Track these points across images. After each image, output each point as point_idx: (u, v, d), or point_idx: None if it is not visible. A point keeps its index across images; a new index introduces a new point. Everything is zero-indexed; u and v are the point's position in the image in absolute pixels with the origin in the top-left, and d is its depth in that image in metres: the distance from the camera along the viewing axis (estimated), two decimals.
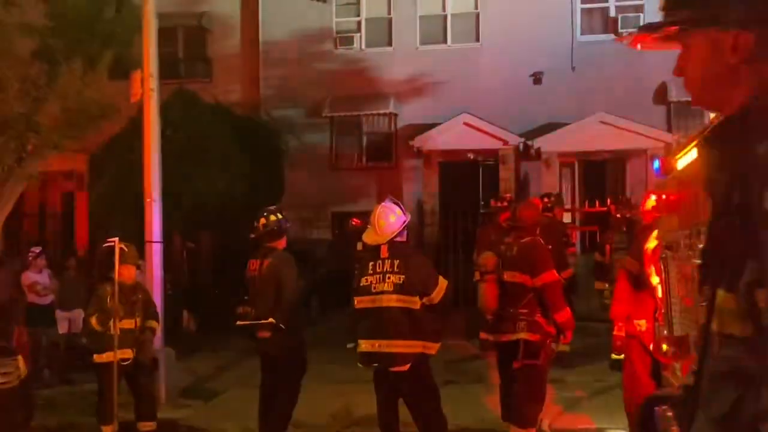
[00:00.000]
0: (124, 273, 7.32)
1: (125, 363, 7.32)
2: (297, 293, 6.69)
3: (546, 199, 10.31)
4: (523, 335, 5.99)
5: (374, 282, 5.55)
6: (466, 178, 17.90)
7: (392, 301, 5.46)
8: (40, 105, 10.27)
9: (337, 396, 8.58)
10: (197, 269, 15.88)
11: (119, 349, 7.25)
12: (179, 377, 9.64)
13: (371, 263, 5.61)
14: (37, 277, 11.15)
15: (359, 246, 14.06)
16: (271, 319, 6.46)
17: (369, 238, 5.72)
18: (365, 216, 16.27)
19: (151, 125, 9.31)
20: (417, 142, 17.93)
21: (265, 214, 6.85)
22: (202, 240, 16.09)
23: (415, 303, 5.46)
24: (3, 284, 11.20)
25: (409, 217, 5.79)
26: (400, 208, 5.73)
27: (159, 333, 8.44)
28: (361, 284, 5.63)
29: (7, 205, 10.38)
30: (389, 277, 5.49)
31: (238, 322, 6.79)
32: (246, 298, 6.84)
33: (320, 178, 18.58)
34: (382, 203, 5.80)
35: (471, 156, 17.97)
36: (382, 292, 5.50)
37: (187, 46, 20.07)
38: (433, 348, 5.55)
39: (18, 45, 9.87)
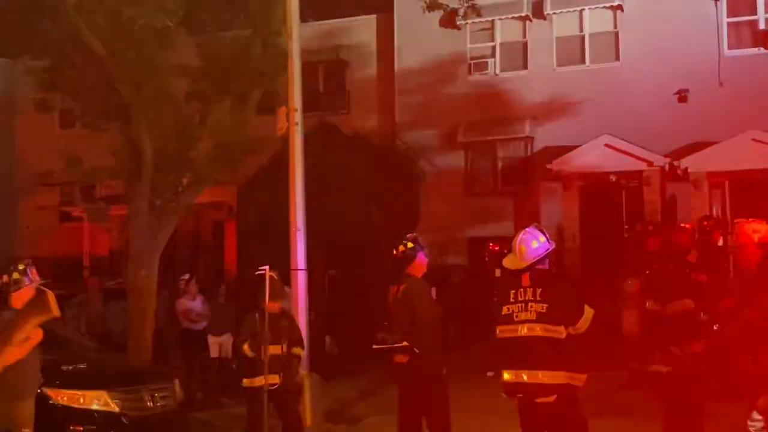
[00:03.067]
0: (269, 304, 7.61)
1: (272, 388, 7.59)
2: (433, 319, 6.68)
3: (705, 222, 9.70)
4: (662, 367, 5.76)
5: (516, 311, 5.46)
6: (607, 202, 17.39)
7: (535, 330, 5.36)
8: (194, 142, 10.91)
9: (480, 426, 8.50)
10: (338, 295, 16.24)
11: (262, 375, 7.52)
12: (323, 401, 9.86)
13: (512, 291, 5.54)
14: (191, 304, 11.77)
15: (497, 272, 13.98)
16: (405, 342, 6.48)
17: (509, 263, 5.65)
18: (502, 241, 16.12)
19: (296, 157, 9.69)
20: (555, 165, 17.61)
21: (403, 241, 6.93)
22: (342, 267, 16.45)
23: (560, 332, 5.32)
24: (156, 313, 11.89)
25: (553, 246, 5.67)
26: (545, 236, 5.63)
27: (304, 358, 8.71)
28: (503, 313, 5.56)
29: (164, 235, 11.04)
30: (531, 306, 5.39)
31: (375, 346, 6.89)
32: (385, 323, 6.93)
33: (455, 204, 18.59)
34: (527, 228, 5.72)
35: (613, 178, 17.44)
36: (525, 321, 5.41)
37: (326, 79, 20.74)
38: (579, 379, 5.39)
39: (174, 86, 10.53)
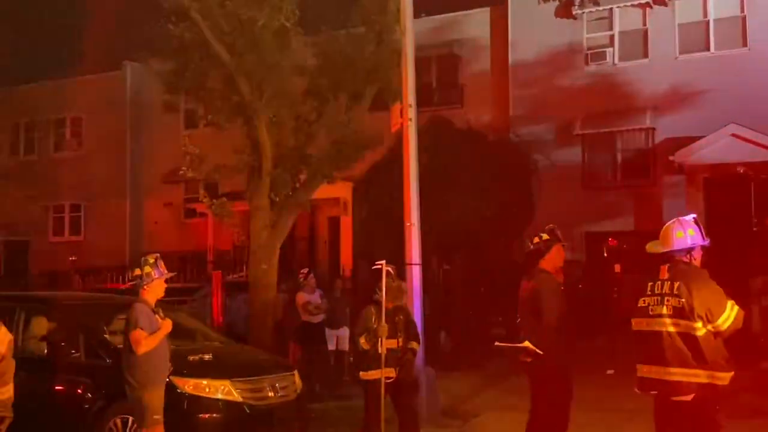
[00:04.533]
0: (385, 297, 7.67)
1: (388, 381, 7.65)
2: (557, 318, 6.50)
3: None
4: None
5: (652, 304, 5.18)
6: (735, 195, 16.56)
7: (669, 325, 5.09)
8: (311, 139, 11.14)
9: (600, 424, 8.30)
10: (452, 290, 16.22)
11: (379, 369, 7.58)
12: (439, 396, 9.87)
13: (650, 284, 5.26)
14: (310, 297, 12.02)
15: (617, 268, 13.59)
16: (526, 344, 6.35)
17: (650, 247, 5.41)
18: (621, 236, 15.61)
19: (410, 153, 9.72)
20: (678, 156, 16.92)
21: (539, 233, 6.69)
22: (455, 261, 16.42)
23: (697, 329, 5.00)
24: (280, 305, 12.22)
25: (703, 242, 5.28)
26: (697, 230, 5.29)
27: (420, 353, 8.75)
28: (639, 305, 5.29)
29: (283, 231, 11.32)
30: (668, 300, 5.10)
31: (496, 344, 6.80)
32: (500, 318, 6.84)
33: (572, 198, 18.17)
34: (681, 218, 5.42)
35: (741, 170, 16.59)
36: (660, 315, 5.13)
37: (440, 73, 20.72)
38: (722, 378, 5.01)
39: (291, 85, 10.79)
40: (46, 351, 8.04)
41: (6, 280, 23.32)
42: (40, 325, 8.27)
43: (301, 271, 12.47)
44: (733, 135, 16.38)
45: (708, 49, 17.66)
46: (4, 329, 3.96)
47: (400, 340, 7.79)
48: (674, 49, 17.90)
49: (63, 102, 24.17)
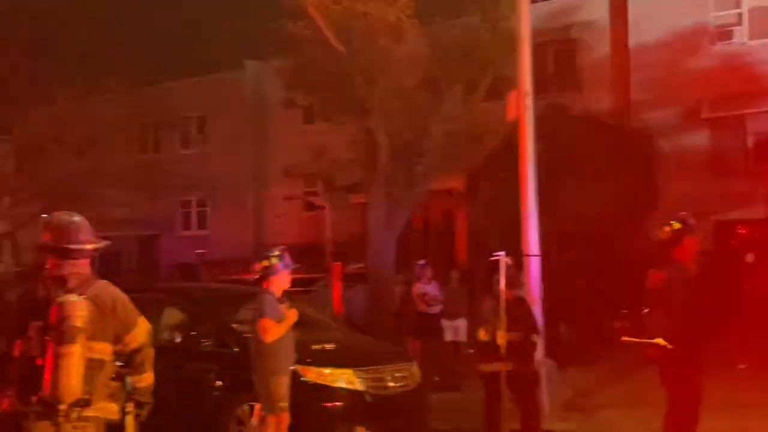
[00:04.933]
0: (505, 290, 7.60)
1: (508, 373, 7.58)
2: (690, 310, 6.21)
3: None
4: None
5: None
6: None
7: None
8: (426, 132, 11.18)
9: (730, 420, 7.95)
10: (572, 281, 15.87)
11: (498, 361, 7.53)
12: (560, 390, 9.71)
13: None
14: (427, 288, 12.07)
15: (749, 257, 12.91)
16: (659, 340, 6.11)
17: None
18: (752, 225, 14.79)
19: (527, 142, 9.57)
20: None
21: (670, 221, 6.40)
22: (575, 251, 16.06)
23: None
24: (397, 296, 12.34)
25: None
26: None
27: (540, 346, 8.63)
28: None
29: (399, 224, 11.43)
30: None
31: (624, 339, 6.60)
32: (624, 311, 6.64)
33: (699, 185, 17.38)
34: None
35: None
36: None
37: (556, 60, 20.27)
38: None
39: (406, 78, 10.85)
40: (178, 340, 8.43)
41: (139, 273, 24.65)
42: (173, 315, 8.68)
43: (418, 263, 12.53)
44: None
45: None
46: (142, 318, 4.18)
47: (520, 333, 7.72)
48: None
49: (189, 101, 25.22)
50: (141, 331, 4.09)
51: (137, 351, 4.09)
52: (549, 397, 9.15)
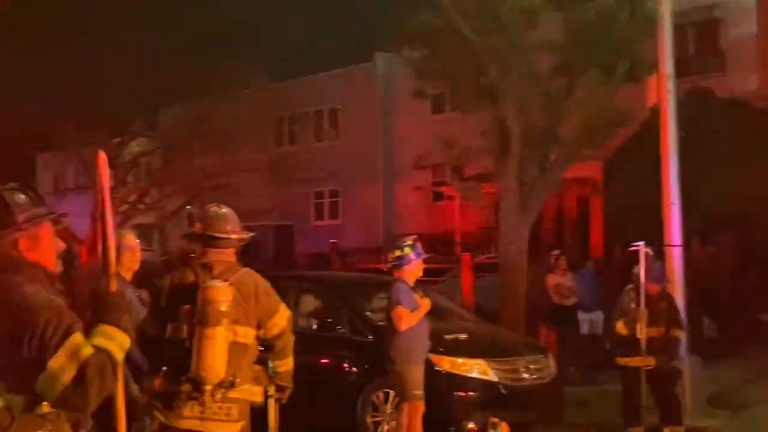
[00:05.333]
0: (647, 285, 7.34)
1: (649, 369, 7.33)
2: None
3: None
4: None
5: None
6: None
7: None
8: (560, 118, 10.90)
9: None
10: (716, 273, 15.11)
11: (640, 355, 7.28)
12: (704, 385, 9.28)
13: None
14: (561, 279, 11.81)
15: None
16: None
17: None
18: None
19: (668, 127, 9.16)
20: None
21: None
22: (720, 241, 15.28)
23: None
24: (527, 288, 12.11)
25: None
26: None
27: (683, 340, 8.28)
28: None
29: (532, 213, 11.24)
30: None
31: None
32: None
33: None
34: None
35: None
36: None
37: (698, 40, 19.29)
38: None
39: (539, 63, 10.62)
40: (314, 326, 8.65)
41: (275, 262, 25.51)
42: (309, 303, 8.92)
43: (552, 253, 12.28)
44: None
45: None
46: (284, 305, 4.31)
47: (662, 327, 7.43)
48: None
49: (321, 95, 25.81)
50: (282, 317, 4.22)
51: (278, 336, 4.21)
52: (692, 392, 8.76)
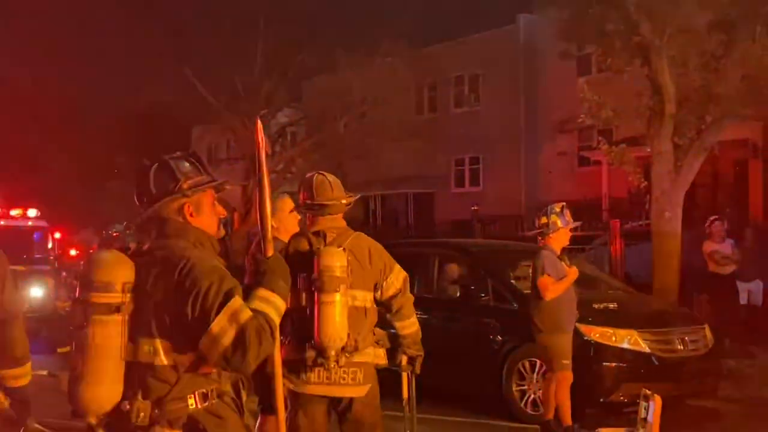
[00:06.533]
0: None
1: None
2: None
3: None
4: None
5: None
6: None
7: None
8: (718, 76, 10.24)
9: None
10: None
11: None
12: None
13: None
14: (719, 247, 11.18)
15: None
16: None
17: None
18: None
19: None
20: None
21: None
22: None
23: None
24: (681, 256, 11.55)
25: None
26: None
27: None
28: None
29: (687, 177, 10.70)
30: None
31: None
32: None
33: None
34: None
35: None
36: None
37: None
38: None
39: (696, 19, 9.99)
40: (458, 294, 8.64)
41: (416, 229, 25.70)
42: (453, 270, 8.91)
43: (710, 219, 11.64)
44: None
45: None
46: (398, 266, 4.28)
47: None
48: None
49: (462, 60, 25.54)
50: (397, 277, 4.21)
51: (394, 297, 4.21)
52: None
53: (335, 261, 3.96)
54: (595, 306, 7.68)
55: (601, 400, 7.38)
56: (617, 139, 14.78)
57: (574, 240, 12.27)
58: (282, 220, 4.77)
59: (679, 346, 7.62)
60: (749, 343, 10.77)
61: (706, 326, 8.08)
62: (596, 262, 11.99)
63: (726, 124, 10.60)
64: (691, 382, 7.69)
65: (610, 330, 7.43)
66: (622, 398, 7.26)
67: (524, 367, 7.66)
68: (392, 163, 24.29)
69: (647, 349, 7.42)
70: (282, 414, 3.09)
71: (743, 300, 11.51)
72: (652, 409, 6.42)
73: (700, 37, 10.12)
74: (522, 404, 7.61)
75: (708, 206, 18.23)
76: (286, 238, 4.38)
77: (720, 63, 10.27)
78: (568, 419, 6.58)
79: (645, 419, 6.45)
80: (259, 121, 3.00)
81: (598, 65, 14.62)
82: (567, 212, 6.65)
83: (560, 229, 6.60)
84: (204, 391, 2.66)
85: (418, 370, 4.39)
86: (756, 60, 9.94)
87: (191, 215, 2.78)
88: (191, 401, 2.64)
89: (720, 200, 19.26)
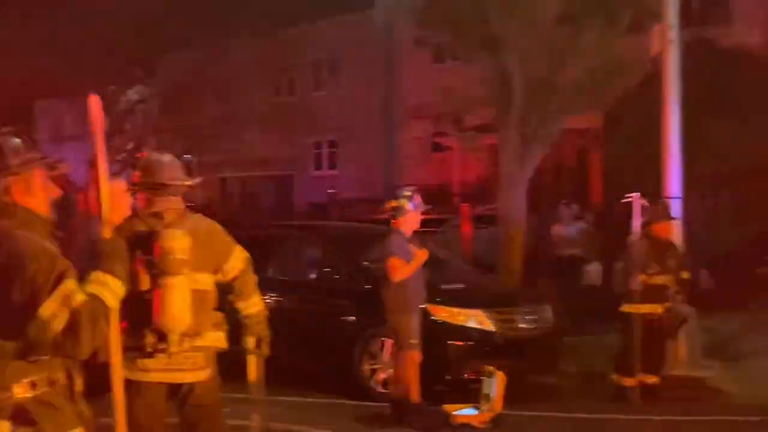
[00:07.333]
0: (658, 229, 7.44)
1: (652, 317, 7.43)
2: None
3: None
4: None
5: None
6: None
7: None
8: (563, 68, 10.75)
9: None
10: (715, 226, 15.14)
11: (648, 303, 7.37)
12: (700, 336, 9.36)
13: None
14: (565, 230, 11.81)
15: None
16: None
17: None
18: None
19: (670, 78, 9.07)
20: None
21: None
22: (720, 195, 15.27)
23: None
24: (526, 239, 12.09)
25: None
26: None
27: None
28: None
29: (531, 164, 11.18)
30: None
31: None
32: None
33: None
34: None
35: None
36: None
37: None
38: None
39: (543, 11, 10.42)
40: (313, 276, 8.67)
41: (275, 212, 25.51)
42: (308, 252, 8.93)
43: (561, 203, 12.26)
44: None
45: None
46: (239, 247, 4.23)
47: (671, 277, 7.54)
48: None
49: (321, 43, 25.46)
50: (238, 258, 4.17)
51: (236, 278, 4.16)
52: (688, 343, 8.84)
53: (177, 243, 3.83)
54: (444, 287, 7.93)
55: (448, 377, 7.63)
56: (469, 126, 15.29)
57: (426, 223, 12.52)
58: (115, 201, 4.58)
59: (522, 325, 7.99)
60: (589, 322, 11.46)
61: (548, 306, 8.51)
62: (447, 245, 12.31)
63: (568, 114, 11.16)
64: (533, 358, 8.09)
65: (457, 310, 7.69)
66: (468, 375, 7.53)
67: (376, 346, 7.81)
68: (252, 144, 23.96)
69: (492, 328, 7.74)
70: (121, 404, 3.00)
71: (584, 280, 12.24)
72: (495, 385, 6.76)
73: (547, 30, 10.57)
74: (373, 383, 7.77)
75: (553, 192, 19.18)
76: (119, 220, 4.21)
77: (564, 55, 10.79)
78: (416, 396, 6.78)
79: (488, 395, 6.77)
80: (94, 97, 2.87)
81: (451, 53, 15.01)
82: (417, 196, 6.81)
83: (409, 213, 6.75)
84: (33, 379, 2.54)
85: (266, 352, 4.33)
86: (596, 53, 10.52)
87: (19, 194, 2.64)
88: (18, 390, 2.52)
89: (564, 187, 20.31)
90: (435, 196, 20.36)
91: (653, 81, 9.79)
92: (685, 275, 7.70)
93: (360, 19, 25.05)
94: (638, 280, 7.38)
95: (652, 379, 7.56)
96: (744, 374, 8.42)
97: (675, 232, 8.26)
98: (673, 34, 8.98)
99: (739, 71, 14.73)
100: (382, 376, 7.72)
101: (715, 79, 14.26)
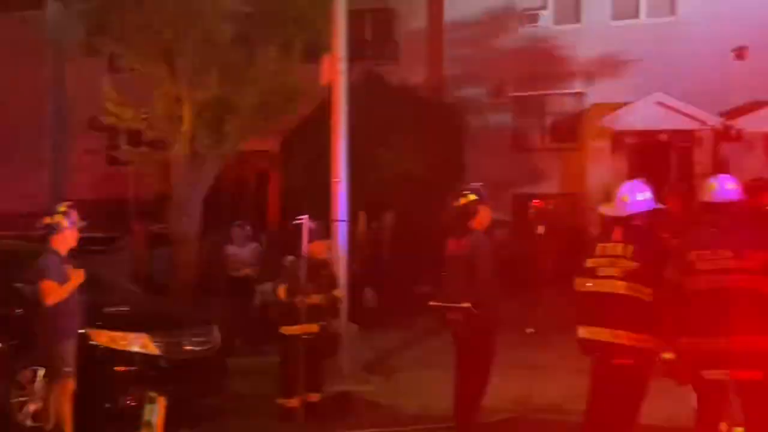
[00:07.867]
0: (313, 249, 7.65)
1: (308, 337, 7.63)
2: (492, 278, 6.52)
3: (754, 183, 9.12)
4: None
5: (602, 265, 5.08)
6: (656, 161, 16.96)
7: (620, 288, 4.98)
8: (238, 89, 10.83)
9: (517, 380, 8.46)
10: (379, 247, 16.22)
11: (304, 323, 7.57)
12: (361, 352, 9.89)
13: (600, 245, 5.17)
14: (238, 251, 11.80)
15: (540, 229, 13.78)
16: (465, 304, 6.33)
17: (606, 209, 5.40)
18: (546, 198, 15.81)
19: (339, 107, 9.56)
20: (606, 122, 17.19)
21: (464, 193, 6.68)
22: (384, 219, 16.42)
23: (647, 294, 4.94)
24: (199, 259, 11.96)
25: (658, 206, 5.25)
26: (651, 194, 5.24)
27: (343, 309, 8.74)
28: (587, 266, 5.16)
29: (205, 183, 11.07)
30: (620, 262, 5.00)
31: (431, 303, 6.78)
32: (425, 277, 6.85)
33: (502, 159, 18.27)
34: (634, 181, 5.37)
35: (664, 137, 16.98)
36: (609, 277, 5.03)
37: (375, 28, 20.37)
38: (660, 345, 4.91)
39: (219, 31, 10.42)
40: None
41: None
42: None
43: (234, 224, 12.22)
44: (658, 103, 16.72)
45: (638, 16, 17.89)
46: None
47: (324, 295, 7.78)
48: (607, 15, 18.05)
49: None
50: None
51: None
52: (350, 359, 9.29)
53: None
54: (106, 310, 7.49)
55: (107, 405, 7.19)
56: (145, 140, 14.69)
57: (97, 241, 11.79)
58: None
59: (188, 347, 7.80)
60: (261, 342, 11.55)
61: (215, 327, 8.41)
62: (115, 265, 11.71)
63: (244, 135, 11.24)
64: (199, 381, 7.93)
65: (120, 334, 7.31)
66: (130, 403, 7.16)
67: (26, 376, 7.12)
68: None
69: (157, 351, 7.46)
70: None
71: (258, 300, 12.32)
72: (156, 411, 6.50)
73: (222, 50, 10.58)
74: (22, 417, 7.06)
75: (231, 213, 19.19)
76: None
77: (240, 76, 10.87)
78: (68, 429, 6.28)
79: (149, 421, 6.49)
80: None
81: (126, 64, 14.36)
82: (73, 212, 6.36)
83: (66, 230, 6.29)
84: None
85: None
86: (271, 77, 10.75)
87: None
88: None
89: (243, 207, 20.42)
90: (109, 214, 19.34)
91: (327, 110, 10.25)
92: (338, 294, 8.06)
93: (30, 18, 23.07)
94: (288, 299, 7.57)
95: (314, 397, 7.78)
96: (400, 386, 9.03)
97: (330, 252, 8.62)
98: (342, 65, 9.47)
99: (402, 106, 16.03)
100: (31, 408, 7.04)
101: (382, 112, 15.36)
